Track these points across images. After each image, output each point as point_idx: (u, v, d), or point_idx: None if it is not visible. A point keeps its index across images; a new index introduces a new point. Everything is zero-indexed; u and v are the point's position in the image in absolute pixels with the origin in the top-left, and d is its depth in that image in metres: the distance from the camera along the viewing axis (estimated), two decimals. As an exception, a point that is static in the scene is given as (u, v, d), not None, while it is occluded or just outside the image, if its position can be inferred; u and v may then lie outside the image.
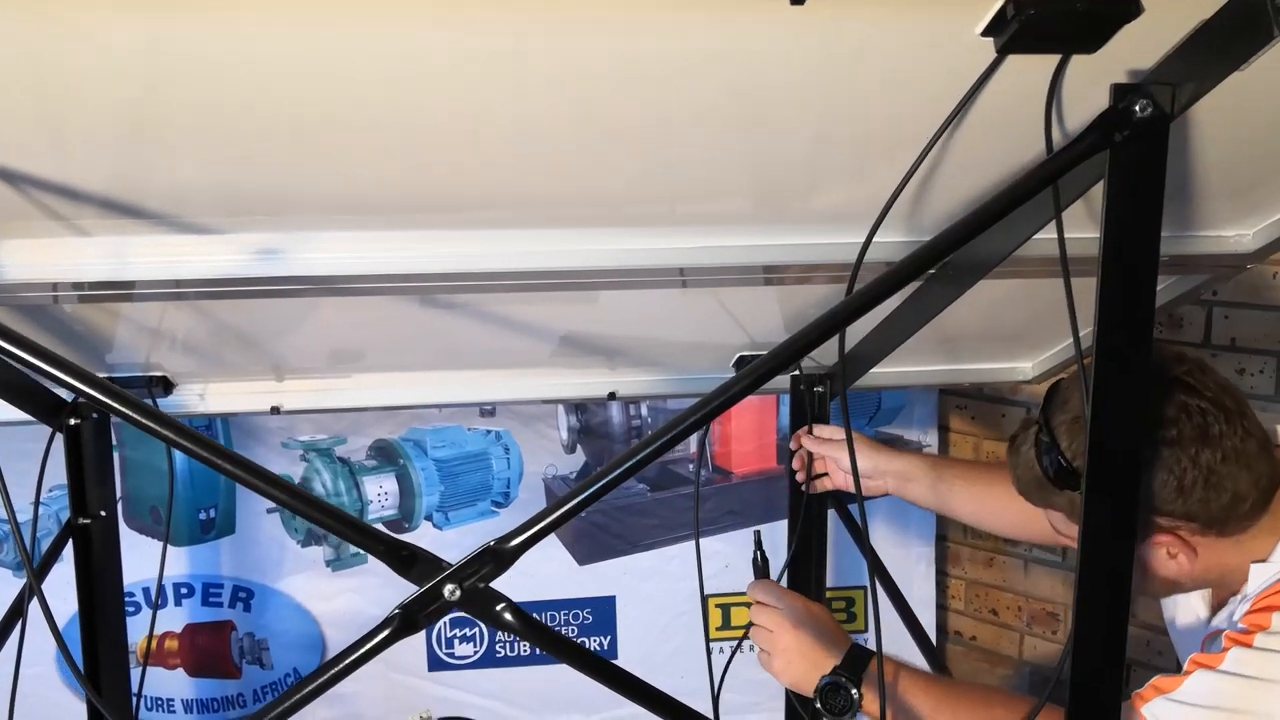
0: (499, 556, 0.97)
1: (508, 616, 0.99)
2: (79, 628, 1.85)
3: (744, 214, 1.40)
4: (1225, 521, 1.18)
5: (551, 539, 2.66)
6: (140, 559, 2.26)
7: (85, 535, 1.86)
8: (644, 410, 2.50)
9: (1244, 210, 1.45)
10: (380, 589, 2.51)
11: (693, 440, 2.56)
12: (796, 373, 1.96)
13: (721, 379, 1.92)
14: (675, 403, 2.50)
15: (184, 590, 2.49)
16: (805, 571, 2.11)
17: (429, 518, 2.52)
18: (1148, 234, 0.97)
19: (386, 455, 2.48)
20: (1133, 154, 0.95)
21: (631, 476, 0.98)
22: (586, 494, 0.97)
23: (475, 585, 0.97)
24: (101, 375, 1.83)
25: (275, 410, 1.98)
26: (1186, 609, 1.40)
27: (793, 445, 1.89)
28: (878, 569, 1.97)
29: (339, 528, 0.96)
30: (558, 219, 1.38)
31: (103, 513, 1.88)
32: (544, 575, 2.57)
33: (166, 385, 1.88)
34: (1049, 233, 1.36)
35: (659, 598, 2.57)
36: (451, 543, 2.54)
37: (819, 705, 1.29)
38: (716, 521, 2.56)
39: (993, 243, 1.36)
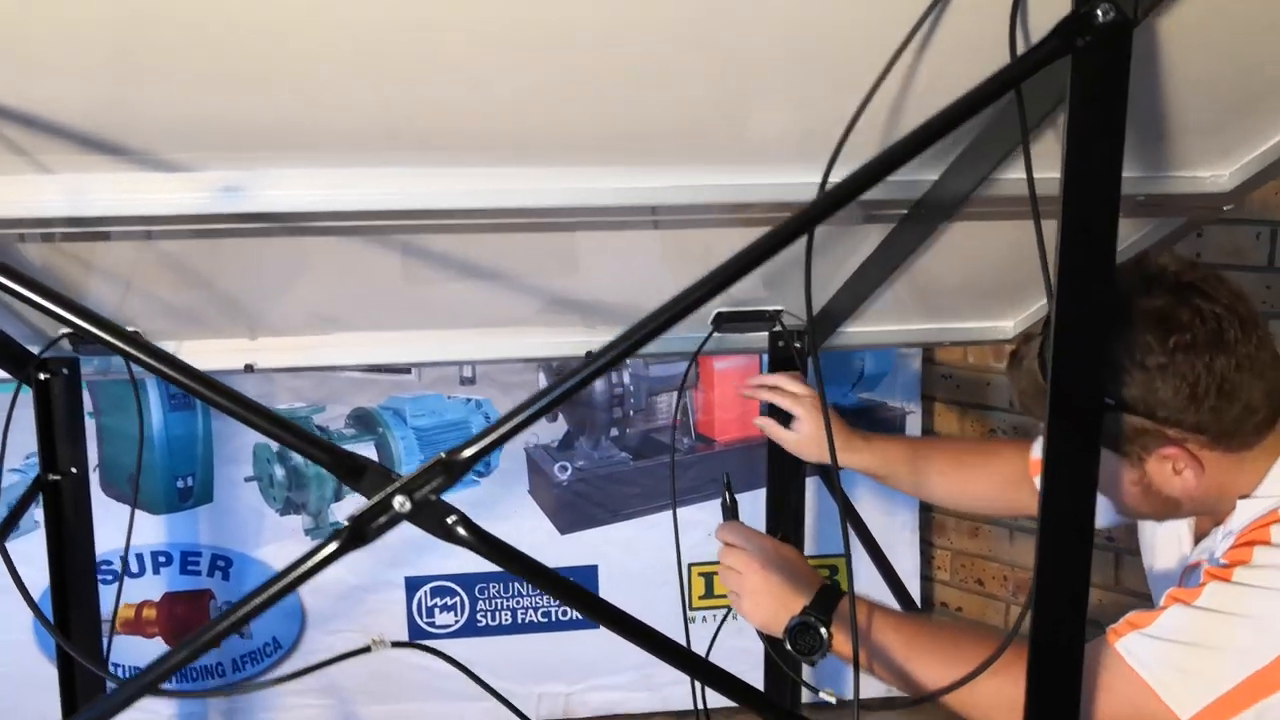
0: (450, 467, 0.96)
1: (460, 530, 0.98)
2: (49, 585, 1.83)
3: (715, 150, 1.38)
4: (1234, 434, 1.15)
5: (533, 508, 2.66)
6: (117, 527, 2.25)
7: (56, 492, 1.85)
8: (626, 378, 2.48)
9: (1220, 149, 1.44)
10: (359, 557, 2.45)
11: (674, 407, 2.54)
12: (778, 328, 1.94)
13: (698, 339, 1.92)
14: (657, 370, 2.49)
15: (162, 559, 2.47)
16: (784, 539, 2.10)
17: (409, 486, 2.50)
18: (1111, 148, 0.95)
19: (365, 424, 2.46)
20: (1095, 61, 0.93)
21: (592, 382, 0.96)
22: (542, 403, 0.95)
23: (426, 497, 0.96)
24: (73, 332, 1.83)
25: (249, 368, 1.96)
26: (1166, 552, 1.38)
27: (747, 390, 1.82)
28: (854, 520, 1.96)
29: (285, 436, 0.94)
30: (528, 156, 1.37)
31: (73, 469, 1.86)
32: (525, 545, 2.47)
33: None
34: (1018, 172, 1.35)
35: (641, 567, 2.56)
36: (432, 511, 2.52)
37: (789, 646, 1.27)
38: (699, 490, 2.54)
39: (960, 177, 1.35)
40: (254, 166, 1.35)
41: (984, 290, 1.92)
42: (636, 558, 2.55)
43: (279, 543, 2.49)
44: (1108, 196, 0.97)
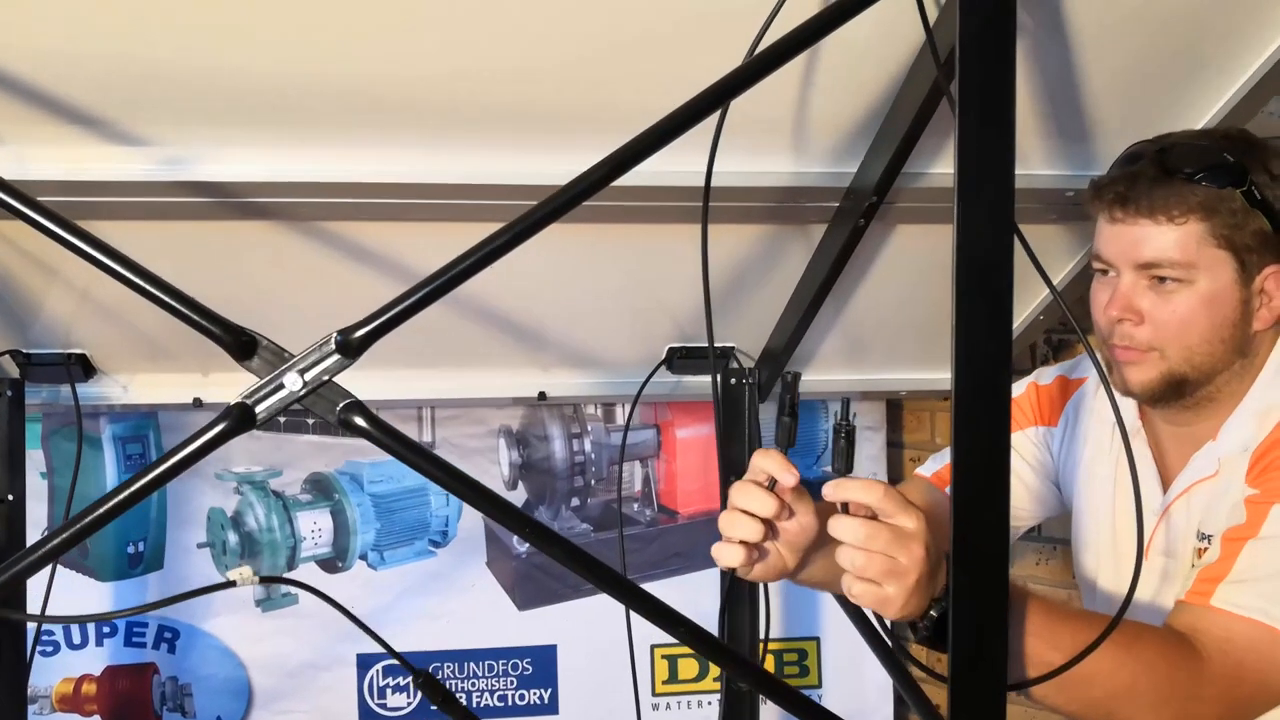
0: (345, 347, 0.94)
1: (356, 419, 0.95)
2: (-25, 615, 1.77)
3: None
4: None
5: (490, 581, 2.58)
6: (64, 595, 2.18)
7: (-10, 517, 1.81)
8: (587, 446, 2.46)
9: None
10: (313, 631, 2.41)
11: (636, 478, 2.51)
12: (733, 365, 1.94)
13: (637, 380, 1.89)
14: (620, 438, 2.46)
15: (106, 629, 2.39)
16: (740, 616, 2.03)
17: (364, 556, 2.45)
18: (1001, 50, 0.96)
19: (322, 489, 2.43)
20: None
21: (504, 255, 0.94)
22: (455, 271, 0.94)
23: (319, 378, 0.94)
24: (19, 351, 1.83)
25: (198, 402, 1.96)
26: (1127, 508, 1.33)
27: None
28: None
29: (167, 301, 0.93)
30: (478, 136, 1.39)
31: (10, 496, 1.83)
32: (482, 622, 2.47)
33: (87, 367, 1.86)
34: (938, 166, 1.38)
35: (603, 647, 2.46)
36: (387, 584, 2.45)
37: (926, 635, 1.01)
38: (662, 564, 2.48)
39: (878, 160, 1.38)
40: (201, 143, 1.38)
41: (930, 330, 1.92)
42: (598, 637, 2.46)
43: (229, 614, 2.41)
44: (1003, 116, 0.96)
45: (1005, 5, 0.96)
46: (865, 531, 0.97)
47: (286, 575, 2.42)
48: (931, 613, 1.00)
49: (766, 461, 1.04)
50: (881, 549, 0.97)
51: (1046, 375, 1.51)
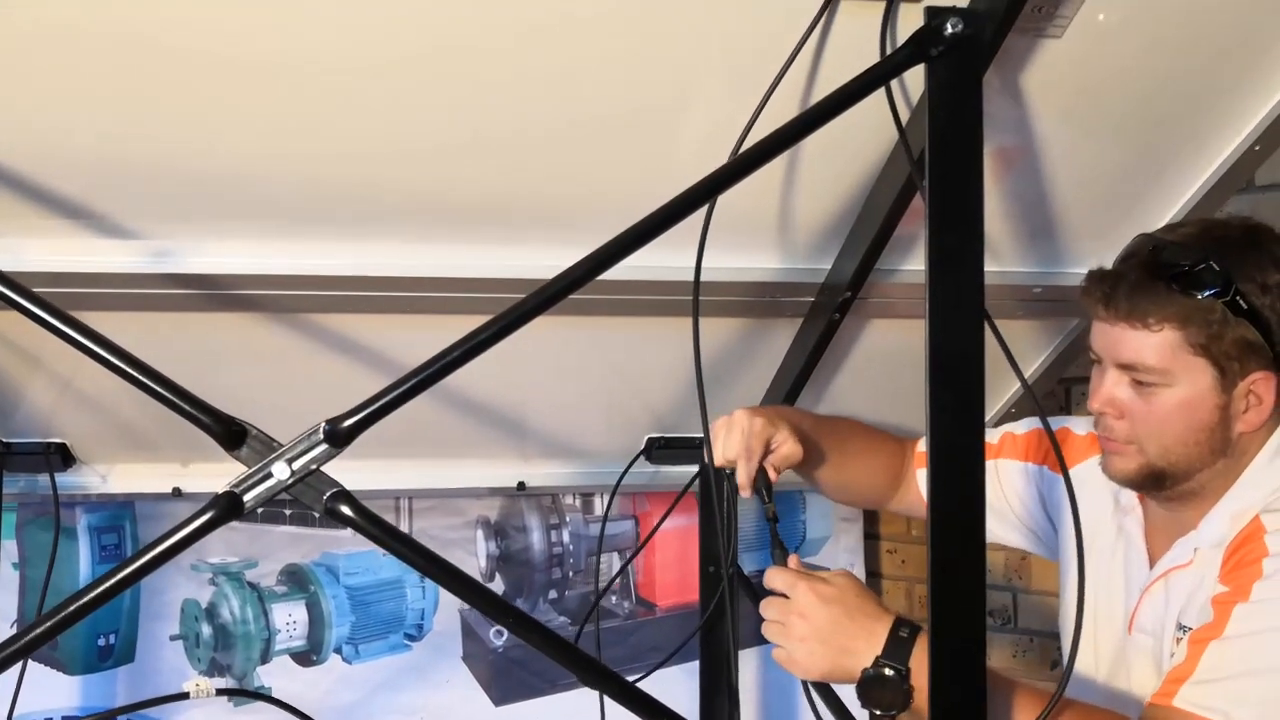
0: (333, 436, 0.95)
1: (342, 507, 0.96)
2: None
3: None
4: None
5: (467, 676, 2.55)
6: (35, 690, 2.15)
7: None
8: (566, 537, 2.46)
9: (1109, 250, 1.52)
10: (292, 729, 2.37)
11: (615, 569, 2.50)
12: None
13: (616, 470, 1.91)
14: (598, 529, 2.46)
15: (73, 723, 2.34)
16: (719, 707, 2.02)
17: (338, 650, 2.41)
18: (969, 150, 1.01)
19: (297, 581, 2.41)
20: (949, 70, 1.01)
21: (491, 347, 0.96)
22: (443, 363, 0.96)
23: (307, 467, 0.95)
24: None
25: (177, 492, 1.96)
26: (1113, 581, 1.36)
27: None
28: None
29: (160, 393, 0.94)
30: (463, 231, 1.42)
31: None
32: (458, 717, 2.44)
33: (66, 456, 1.86)
34: (908, 264, 1.41)
35: (580, 744, 2.43)
36: (361, 678, 2.42)
37: (862, 704, 1.07)
38: (639, 659, 2.46)
39: (852, 255, 1.42)
40: (189, 236, 1.41)
41: (907, 424, 1.94)
42: (575, 733, 2.43)
43: (199, 707, 2.35)
44: (971, 199, 1.01)
45: (973, 107, 1.02)
46: (764, 604, 1.15)
47: (259, 670, 2.39)
48: (868, 672, 1.06)
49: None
50: (772, 617, 1.15)
51: (1082, 426, 1.49)
